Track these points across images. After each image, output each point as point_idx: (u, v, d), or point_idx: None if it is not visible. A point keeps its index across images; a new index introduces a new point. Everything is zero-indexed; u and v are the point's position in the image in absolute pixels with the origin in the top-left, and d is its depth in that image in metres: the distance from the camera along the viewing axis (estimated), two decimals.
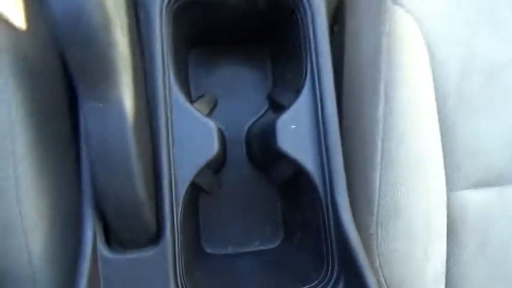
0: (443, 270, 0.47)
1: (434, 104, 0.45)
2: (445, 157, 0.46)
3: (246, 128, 0.57)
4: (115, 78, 0.32)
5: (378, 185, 0.44)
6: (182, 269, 0.39)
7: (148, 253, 0.38)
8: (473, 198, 0.47)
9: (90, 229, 0.37)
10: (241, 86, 0.58)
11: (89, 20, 0.28)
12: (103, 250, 0.37)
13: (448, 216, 0.47)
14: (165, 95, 0.40)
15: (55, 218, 0.40)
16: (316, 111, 0.42)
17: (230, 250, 0.55)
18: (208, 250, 0.54)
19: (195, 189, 0.48)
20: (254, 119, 0.57)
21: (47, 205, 0.39)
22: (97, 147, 0.33)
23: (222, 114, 0.57)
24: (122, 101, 0.33)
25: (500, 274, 0.48)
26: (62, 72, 0.47)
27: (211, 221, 0.55)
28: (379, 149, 0.44)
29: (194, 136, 0.40)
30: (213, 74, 0.58)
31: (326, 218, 0.42)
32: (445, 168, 0.46)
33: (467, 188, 0.47)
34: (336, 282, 0.41)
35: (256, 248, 0.55)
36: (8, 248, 0.37)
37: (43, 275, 0.39)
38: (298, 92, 0.44)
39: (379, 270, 0.44)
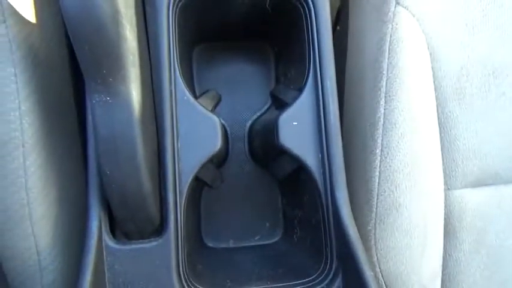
0: (440, 267, 0.48)
1: (434, 104, 0.46)
2: (443, 156, 0.47)
3: (248, 124, 0.58)
4: (123, 72, 0.33)
5: (377, 182, 0.45)
6: (185, 261, 0.40)
7: (152, 244, 0.39)
8: (471, 197, 0.48)
9: (96, 220, 0.38)
10: (244, 83, 0.59)
11: (99, 13, 0.29)
12: (108, 240, 0.38)
13: (445, 214, 0.48)
14: (170, 90, 0.41)
15: (61, 208, 0.41)
16: (318, 108, 0.43)
17: (231, 244, 0.56)
18: (210, 244, 0.55)
19: (197, 183, 0.49)
20: (256, 115, 0.58)
21: (54, 195, 0.40)
22: (104, 140, 0.34)
23: (225, 111, 0.58)
24: (129, 95, 0.34)
25: (496, 271, 0.49)
26: (68, 66, 0.48)
27: (213, 216, 0.56)
28: (379, 146, 0.45)
29: (198, 131, 0.41)
30: (217, 70, 0.58)
31: (326, 214, 0.43)
32: (443, 167, 0.47)
33: (465, 186, 0.48)
34: (334, 276, 0.41)
35: (256, 243, 0.56)
36: (16, 237, 0.38)
37: (49, 263, 0.40)
38: (300, 89, 0.45)
39: (377, 265, 0.45)
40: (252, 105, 0.58)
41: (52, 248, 0.40)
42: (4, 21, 0.37)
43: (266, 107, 0.58)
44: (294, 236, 0.53)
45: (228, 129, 0.57)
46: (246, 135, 0.58)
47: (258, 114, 0.58)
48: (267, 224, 0.57)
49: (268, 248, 0.55)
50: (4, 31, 0.37)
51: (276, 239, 0.57)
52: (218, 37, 0.57)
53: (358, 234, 0.41)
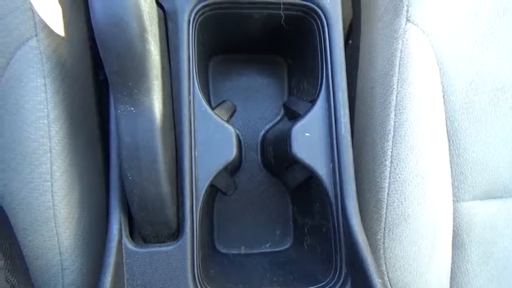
0: (448, 277, 0.49)
1: (443, 117, 0.48)
2: (452, 169, 0.48)
3: (261, 134, 0.60)
4: (147, 84, 0.35)
5: (386, 192, 0.46)
6: (199, 264, 0.41)
7: (168, 248, 0.40)
8: (479, 210, 0.49)
9: (117, 223, 0.40)
10: (258, 95, 0.61)
11: (128, 31, 0.31)
12: (128, 243, 0.40)
13: (454, 226, 0.49)
14: (189, 100, 0.43)
15: (83, 211, 0.43)
16: (329, 120, 0.45)
17: (242, 251, 0.57)
18: (222, 250, 0.57)
19: (212, 190, 0.50)
20: (269, 125, 0.60)
21: (77, 199, 0.43)
22: (127, 147, 0.36)
23: (239, 121, 0.60)
24: (152, 105, 0.36)
25: (504, 283, 0.50)
26: (91, 77, 0.51)
27: (226, 223, 0.58)
28: (389, 158, 0.46)
29: (215, 140, 0.43)
30: (232, 82, 0.61)
31: (336, 222, 0.44)
32: (452, 179, 0.48)
33: (473, 199, 0.49)
34: (344, 283, 0.43)
35: (267, 250, 0.57)
36: (41, 237, 0.40)
37: (71, 264, 0.42)
38: (313, 101, 0.46)
39: (385, 274, 0.46)
40: (265, 116, 0.60)
41: (74, 249, 0.42)
42: (36, 35, 0.40)
43: (279, 117, 0.60)
44: (304, 244, 0.54)
45: (241, 138, 0.59)
46: (259, 144, 0.60)
47: (271, 124, 0.60)
48: (278, 232, 0.59)
49: (279, 255, 0.56)
50: (36, 44, 0.40)
51: (287, 246, 0.58)
52: (234, 50, 0.60)
53: (367, 243, 0.42)
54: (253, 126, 0.60)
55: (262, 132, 0.60)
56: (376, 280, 0.40)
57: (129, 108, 0.36)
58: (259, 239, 0.58)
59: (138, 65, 0.34)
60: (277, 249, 0.57)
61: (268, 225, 0.59)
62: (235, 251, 0.57)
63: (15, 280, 0.35)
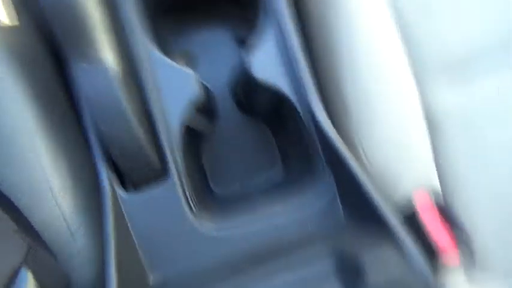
0: (432, 161, 0.51)
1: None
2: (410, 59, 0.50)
3: (229, 79, 0.62)
4: (94, 39, 0.37)
5: (351, 96, 0.48)
6: (193, 196, 0.45)
7: (159, 188, 0.43)
8: (449, 97, 0.51)
9: (106, 177, 0.43)
10: (218, 45, 0.63)
11: None
12: (121, 193, 0.43)
13: (426, 113, 0.51)
14: (144, 51, 0.45)
15: (76, 179, 0.46)
16: (281, 37, 0.47)
17: (238, 187, 0.60)
18: (218, 191, 0.60)
19: (192, 134, 0.53)
20: (235, 70, 0.62)
21: (66, 169, 0.45)
22: (93, 102, 0.39)
23: (204, 73, 0.62)
24: (104, 58, 0.38)
25: (483, 155, 0.52)
26: (50, 56, 0.53)
27: (216, 166, 0.61)
28: (347, 62, 0.48)
29: (176, 83, 0.46)
30: (188, 36, 0.63)
31: (310, 132, 0.47)
32: (414, 69, 0.50)
33: (439, 85, 0.51)
34: (327, 179, 0.46)
35: (260, 182, 0.61)
36: (44, 209, 0.43)
37: (77, 229, 0.45)
38: (261, 30, 0.48)
39: (367, 165, 0.48)
40: (228, 62, 0.62)
41: (77, 215, 0.45)
42: None
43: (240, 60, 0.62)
44: (292, 165, 0.57)
45: (209, 86, 0.60)
46: (230, 90, 0.62)
47: (236, 69, 0.62)
48: (267, 163, 0.62)
49: (272, 181, 0.59)
50: None
51: (278, 174, 0.61)
52: (188, 4, 0.61)
53: (341, 140, 0.44)
54: (219, 75, 0.62)
55: (230, 77, 0.62)
56: (356, 168, 0.42)
57: (84, 66, 0.38)
58: (251, 173, 0.61)
59: (84, 19, 0.36)
60: (269, 179, 0.61)
61: (256, 160, 0.62)
62: (230, 189, 0.60)
63: (30, 239, 0.38)
